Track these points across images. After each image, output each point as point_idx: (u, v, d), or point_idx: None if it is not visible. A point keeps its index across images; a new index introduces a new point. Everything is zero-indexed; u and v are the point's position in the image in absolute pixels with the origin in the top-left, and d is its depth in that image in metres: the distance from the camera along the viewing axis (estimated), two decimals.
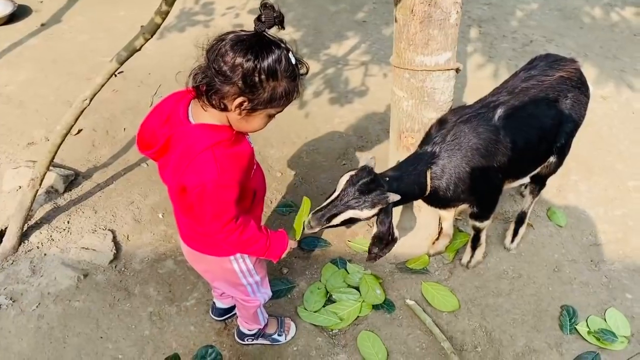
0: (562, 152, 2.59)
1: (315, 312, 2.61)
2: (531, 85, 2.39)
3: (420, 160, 2.26)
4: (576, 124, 2.52)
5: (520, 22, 5.24)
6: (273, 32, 1.50)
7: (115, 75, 4.37)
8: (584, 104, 2.51)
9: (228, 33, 1.50)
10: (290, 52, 1.52)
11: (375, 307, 2.64)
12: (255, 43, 1.46)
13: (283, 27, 1.50)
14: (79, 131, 3.78)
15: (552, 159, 2.59)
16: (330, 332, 2.54)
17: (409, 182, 2.21)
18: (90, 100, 2.68)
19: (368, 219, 2.11)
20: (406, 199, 2.26)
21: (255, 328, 2.40)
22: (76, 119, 2.71)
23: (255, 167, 1.85)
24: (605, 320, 2.57)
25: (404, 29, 2.25)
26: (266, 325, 2.43)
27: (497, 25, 5.20)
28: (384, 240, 2.16)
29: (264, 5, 1.46)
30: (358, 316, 2.60)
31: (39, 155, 2.94)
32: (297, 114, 4.03)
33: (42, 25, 5.19)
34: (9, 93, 4.22)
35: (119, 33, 4.94)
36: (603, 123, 3.86)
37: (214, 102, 1.53)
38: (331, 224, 2.08)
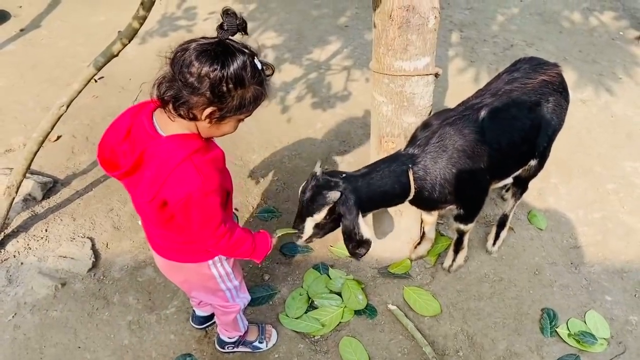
0: (542, 156, 2.61)
1: (297, 318, 2.59)
2: (514, 87, 2.40)
3: (396, 159, 2.26)
4: (556, 128, 2.54)
5: (501, 27, 5.28)
6: (238, 37, 1.50)
7: (96, 81, 4.35)
8: (564, 109, 2.54)
9: (190, 42, 1.48)
10: (256, 58, 1.51)
11: (358, 312, 2.63)
12: (220, 52, 1.44)
13: (246, 33, 1.49)
14: (58, 137, 3.73)
15: (532, 162, 2.60)
16: (312, 339, 2.53)
17: (382, 180, 2.19)
18: (68, 107, 2.65)
19: (327, 221, 2.12)
20: (386, 198, 2.25)
21: (235, 335, 2.38)
22: (53, 126, 2.68)
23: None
24: (585, 322, 2.59)
25: (383, 34, 2.26)
26: (246, 332, 2.41)
27: (478, 29, 5.24)
28: (352, 239, 2.15)
29: (225, 13, 1.45)
30: (340, 322, 2.59)
31: (16, 163, 2.89)
32: (279, 119, 4.02)
33: (21, 30, 5.12)
34: None
35: (99, 38, 4.89)
36: (582, 126, 3.90)
37: (182, 112, 1.51)
38: (310, 236, 2.14)
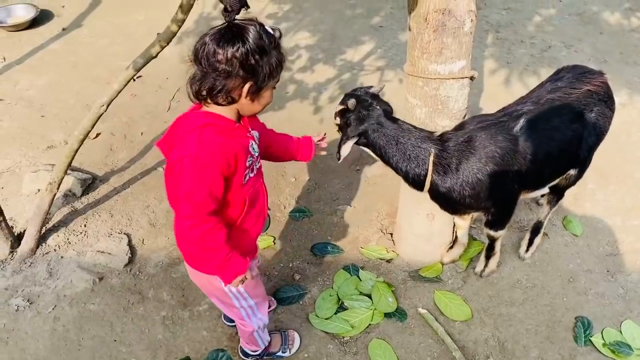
0: (582, 165, 2.56)
1: (326, 319, 2.61)
2: (557, 97, 2.35)
3: (428, 139, 2.25)
4: (599, 138, 2.48)
5: (538, 28, 5.19)
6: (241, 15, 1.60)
7: (134, 80, 4.43)
8: (608, 118, 2.47)
9: (204, 36, 1.58)
10: (265, 25, 1.60)
11: (387, 315, 2.63)
12: (235, 32, 1.54)
13: (248, 6, 1.58)
14: (97, 135, 3.84)
15: (572, 171, 2.56)
16: (342, 340, 2.55)
17: (404, 140, 2.22)
18: (107, 106, 2.73)
19: (340, 122, 2.31)
20: (396, 160, 2.26)
21: (256, 350, 2.38)
22: (93, 125, 2.75)
23: (252, 175, 1.83)
24: (620, 332, 2.53)
25: (418, 37, 2.25)
26: (270, 343, 2.40)
27: (515, 30, 5.16)
28: (339, 145, 2.30)
29: None
30: (370, 324, 2.60)
31: (57, 159, 2.99)
32: (312, 119, 4.05)
33: (64, 29, 5.28)
34: (30, 97, 4.30)
35: (138, 37, 5.01)
36: (621, 131, 3.80)
37: (220, 100, 1.62)
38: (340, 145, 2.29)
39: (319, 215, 3.25)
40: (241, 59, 1.54)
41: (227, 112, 1.68)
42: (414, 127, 2.28)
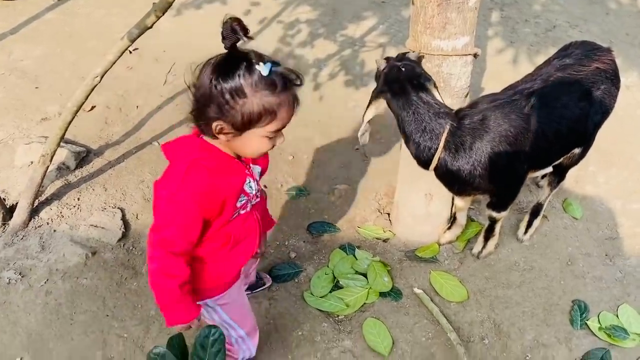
0: (587, 144, 2.53)
1: (321, 297, 2.59)
2: (567, 74, 2.31)
3: (446, 114, 2.17)
4: (604, 116, 2.45)
5: (544, 6, 5.09)
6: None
7: (130, 52, 4.37)
8: (614, 96, 2.44)
9: (210, 59, 1.44)
10: (261, 64, 1.38)
11: (382, 294, 2.61)
12: (222, 62, 1.39)
13: (247, 36, 1.38)
14: (92, 108, 3.77)
15: (576, 150, 2.53)
16: (336, 318, 2.53)
17: (422, 112, 2.15)
18: (102, 78, 2.66)
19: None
20: (410, 130, 2.19)
21: None
22: (87, 96, 2.69)
23: (244, 212, 1.70)
24: (617, 316, 2.51)
25: (421, 12, 2.19)
26: None
27: (520, 8, 5.06)
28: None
29: (223, 22, 1.38)
30: (365, 303, 2.58)
31: (51, 132, 2.93)
32: (311, 97, 3.98)
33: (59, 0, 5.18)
34: (24, 67, 4.22)
35: (134, 9, 4.90)
36: (625, 113, 3.75)
37: (202, 128, 1.50)
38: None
39: (317, 194, 3.21)
40: (212, 93, 1.39)
41: (223, 144, 1.55)
42: (435, 100, 2.20)
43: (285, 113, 1.47)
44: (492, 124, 2.17)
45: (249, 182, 1.65)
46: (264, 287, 2.60)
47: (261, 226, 1.83)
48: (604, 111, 2.42)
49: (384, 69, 2.23)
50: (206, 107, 1.42)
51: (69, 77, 4.11)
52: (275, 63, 1.42)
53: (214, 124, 1.44)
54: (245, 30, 1.37)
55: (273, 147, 1.55)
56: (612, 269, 2.74)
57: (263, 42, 4.55)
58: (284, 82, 1.43)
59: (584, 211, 3.04)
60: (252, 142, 1.50)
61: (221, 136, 1.47)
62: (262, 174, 1.80)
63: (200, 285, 1.73)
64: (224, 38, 1.38)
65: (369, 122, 2.27)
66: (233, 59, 1.39)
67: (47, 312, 2.48)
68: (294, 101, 1.49)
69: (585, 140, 2.50)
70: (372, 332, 2.45)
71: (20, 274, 2.63)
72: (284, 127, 1.52)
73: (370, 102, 2.25)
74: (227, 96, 1.39)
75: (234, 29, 1.35)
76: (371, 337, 2.43)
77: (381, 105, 2.24)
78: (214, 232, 1.63)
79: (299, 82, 1.48)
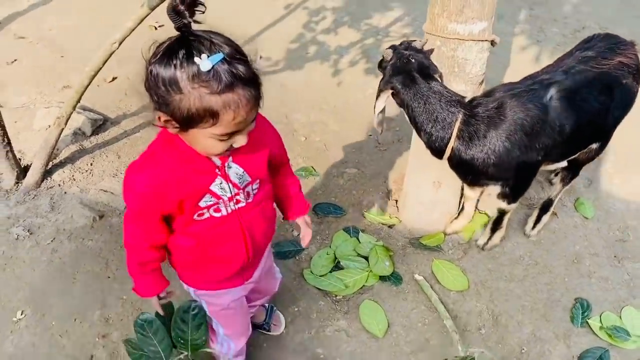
0: (605, 139, 2.48)
1: (321, 276, 2.58)
2: (589, 67, 2.26)
3: (458, 102, 2.14)
4: (625, 111, 2.39)
5: (574, 7, 5.00)
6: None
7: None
8: (635, 92, 2.38)
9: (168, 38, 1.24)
10: (203, 56, 1.14)
11: (382, 278, 2.59)
12: (165, 47, 1.17)
13: (193, 14, 1.17)
14: (114, 79, 3.83)
15: (594, 145, 2.48)
16: (334, 298, 2.52)
17: (433, 101, 2.12)
18: (120, 44, 2.70)
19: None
20: (421, 120, 2.17)
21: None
22: (104, 61, 2.73)
23: (218, 215, 1.50)
24: (620, 317, 2.46)
25: None
26: None
27: (549, 8, 4.98)
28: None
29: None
30: (364, 285, 2.56)
31: (68, 97, 2.99)
32: (329, 82, 3.98)
33: None
34: (52, 37, 4.31)
35: None
36: None
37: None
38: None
39: (326, 176, 3.21)
40: (149, 81, 1.20)
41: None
42: (446, 89, 2.18)
43: (232, 116, 1.19)
44: (509, 113, 2.13)
45: (220, 183, 1.43)
46: (266, 332, 2.36)
47: (252, 236, 1.59)
48: (624, 106, 2.37)
49: (390, 59, 2.20)
50: (149, 94, 1.23)
51: (94, 48, 4.15)
52: (230, 56, 1.17)
53: (157, 115, 1.25)
54: (192, 11, 1.16)
55: (230, 148, 1.31)
56: (620, 271, 2.68)
57: (287, 27, 4.55)
58: (231, 80, 1.16)
59: (595, 211, 2.98)
60: (200, 141, 1.28)
61: (169, 129, 1.27)
62: (255, 177, 1.52)
63: (178, 269, 1.70)
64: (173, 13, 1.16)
65: (381, 111, 2.25)
66: (176, 45, 1.16)
67: (51, 269, 2.53)
68: (249, 103, 1.21)
69: (604, 136, 2.45)
70: (368, 313, 2.44)
71: (28, 231, 2.68)
72: (238, 130, 1.26)
73: (379, 94, 2.23)
74: (162, 87, 1.17)
75: (177, 10, 1.14)
76: (367, 318, 2.42)
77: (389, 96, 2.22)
78: (179, 230, 1.53)
79: (252, 82, 1.21)
